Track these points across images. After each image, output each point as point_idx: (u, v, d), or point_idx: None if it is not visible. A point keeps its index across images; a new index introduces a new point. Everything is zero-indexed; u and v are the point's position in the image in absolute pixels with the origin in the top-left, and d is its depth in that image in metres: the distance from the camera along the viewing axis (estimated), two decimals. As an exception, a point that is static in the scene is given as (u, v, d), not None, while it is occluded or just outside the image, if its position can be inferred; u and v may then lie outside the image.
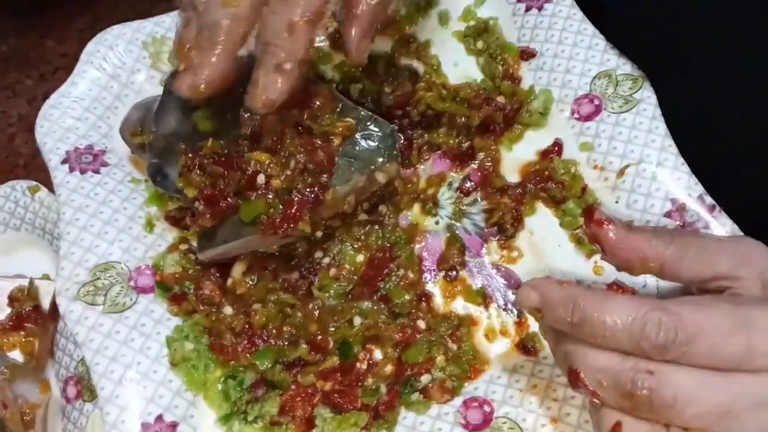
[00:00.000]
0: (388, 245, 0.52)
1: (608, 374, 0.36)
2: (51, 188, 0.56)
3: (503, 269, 0.53)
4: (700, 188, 0.52)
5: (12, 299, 0.51)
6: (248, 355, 0.50)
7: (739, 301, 0.38)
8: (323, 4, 0.43)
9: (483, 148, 0.56)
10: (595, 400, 0.38)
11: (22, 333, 0.50)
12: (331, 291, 0.51)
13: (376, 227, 0.53)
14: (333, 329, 0.50)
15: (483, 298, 0.52)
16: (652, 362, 0.36)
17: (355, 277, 0.51)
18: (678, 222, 0.51)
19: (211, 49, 0.43)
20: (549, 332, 0.41)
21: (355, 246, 0.52)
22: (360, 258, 0.52)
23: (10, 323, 0.50)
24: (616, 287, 0.40)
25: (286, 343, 0.50)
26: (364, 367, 0.49)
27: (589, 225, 0.40)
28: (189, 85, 0.43)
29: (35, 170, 0.60)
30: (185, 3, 0.45)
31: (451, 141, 0.56)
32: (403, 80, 0.57)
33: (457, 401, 0.48)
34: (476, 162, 0.56)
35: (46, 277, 0.54)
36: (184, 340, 0.50)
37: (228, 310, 0.51)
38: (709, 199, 0.51)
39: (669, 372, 0.36)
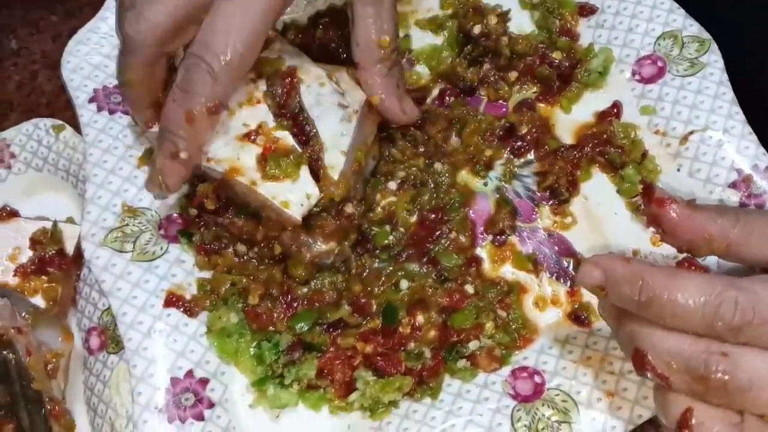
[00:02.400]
0: (441, 206, 0.49)
1: (679, 357, 0.34)
2: (76, 129, 0.53)
3: (556, 235, 0.50)
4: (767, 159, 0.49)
5: (34, 242, 0.48)
6: (284, 321, 0.47)
7: None
8: (225, 96, 0.42)
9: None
10: (663, 384, 0.35)
11: (45, 278, 0.47)
12: (381, 254, 0.48)
13: (431, 186, 0.50)
14: (377, 291, 0.47)
15: (533, 264, 0.49)
16: (725, 344, 0.33)
17: (403, 240, 0.49)
18: (743, 193, 0.49)
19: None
20: (610, 311, 0.38)
21: (408, 206, 0.49)
22: (413, 219, 0.49)
23: (32, 267, 0.47)
24: (687, 264, 0.36)
25: (328, 302, 0.47)
26: (407, 331, 0.46)
27: (649, 205, 0.37)
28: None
29: (59, 110, 0.57)
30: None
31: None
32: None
33: (505, 370, 0.46)
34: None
35: (70, 220, 0.51)
36: (229, 310, 0.47)
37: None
38: (778, 171, 0.49)
39: (744, 354, 0.33)
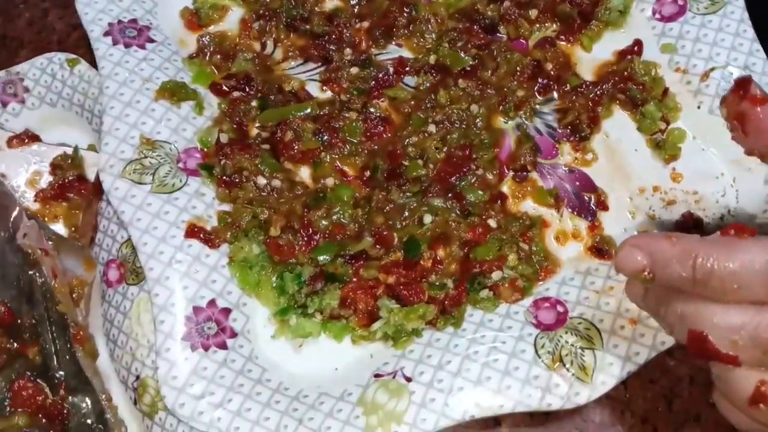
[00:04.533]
0: (470, 144, 0.49)
1: (745, 331, 0.31)
2: (91, 64, 0.52)
3: (577, 171, 0.50)
4: (789, 96, 0.49)
5: (55, 167, 0.47)
6: (306, 253, 0.47)
7: None
8: None
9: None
10: (730, 364, 0.32)
11: (65, 204, 0.46)
12: (412, 186, 0.48)
13: (463, 125, 0.50)
14: (399, 226, 0.47)
15: (555, 199, 0.49)
16: None
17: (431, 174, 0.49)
18: (764, 130, 0.49)
19: None
20: (648, 294, 0.36)
21: (438, 144, 0.49)
22: (441, 156, 0.49)
23: (52, 192, 0.46)
24: (734, 230, 0.34)
25: (349, 235, 0.47)
26: (429, 264, 0.46)
27: (740, 99, 0.34)
28: None
29: (70, 48, 0.56)
30: None
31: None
32: None
33: (527, 301, 0.46)
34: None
35: (92, 148, 0.50)
36: (250, 242, 0.47)
37: (277, 183, 0.48)
38: (799, 108, 0.49)
39: None
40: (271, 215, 0.47)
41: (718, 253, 0.32)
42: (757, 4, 0.51)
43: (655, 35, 0.53)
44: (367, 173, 0.49)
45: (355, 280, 0.46)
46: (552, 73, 0.52)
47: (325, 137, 0.50)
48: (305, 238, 0.47)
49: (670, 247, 0.33)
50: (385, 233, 0.47)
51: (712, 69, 0.50)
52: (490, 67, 0.52)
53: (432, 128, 0.50)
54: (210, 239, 0.46)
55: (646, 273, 0.34)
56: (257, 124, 0.51)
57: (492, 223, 0.48)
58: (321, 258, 0.46)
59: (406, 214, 0.47)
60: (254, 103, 0.51)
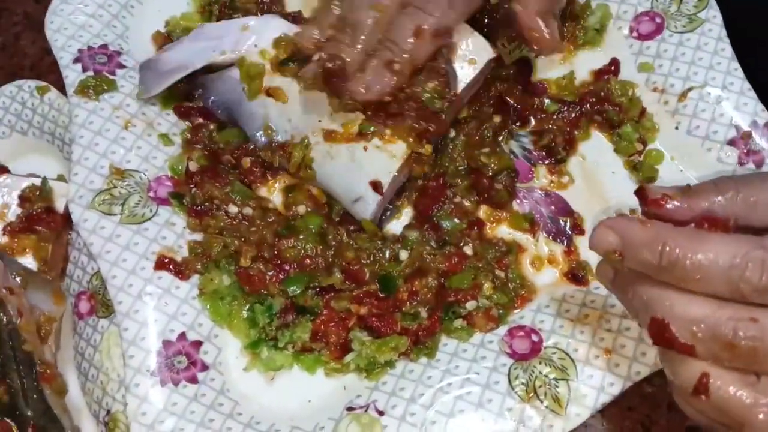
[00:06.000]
0: (442, 172, 0.49)
1: (704, 324, 0.32)
2: (61, 91, 0.52)
3: (553, 195, 0.50)
4: (767, 115, 0.48)
5: (23, 199, 0.46)
6: (277, 284, 0.46)
7: None
8: (455, 23, 0.45)
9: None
10: (686, 354, 0.33)
11: (34, 236, 0.46)
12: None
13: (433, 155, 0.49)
14: (367, 262, 0.46)
15: (530, 224, 0.48)
16: (752, 308, 0.32)
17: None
18: (742, 150, 0.48)
19: (352, 48, 0.44)
20: (618, 278, 0.37)
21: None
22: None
23: (21, 225, 0.46)
24: (708, 222, 0.34)
25: (319, 267, 0.46)
26: (405, 297, 0.46)
27: (646, 206, 0.35)
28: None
29: (43, 73, 0.55)
30: None
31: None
32: None
33: (502, 330, 0.45)
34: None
35: (61, 178, 0.49)
36: (221, 273, 0.46)
37: (249, 211, 0.47)
38: (777, 127, 0.48)
39: None
40: (241, 245, 0.46)
41: (686, 243, 0.33)
42: (736, 22, 0.51)
43: (632, 54, 0.52)
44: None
45: (326, 311, 0.45)
46: (514, 110, 0.51)
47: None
48: (276, 269, 0.46)
49: (642, 231, 0.34)
50: (355, 268, 0.46)
51: (690, 89, 0.50)
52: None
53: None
54: (180, 270, 0.46)
55: (616, 254, 0.35)
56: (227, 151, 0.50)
57: (468, 250, 0.47)
58: (291, 289, 0.45)
59: (379, 252, 0.46)
60: (212, 126, 0.50)
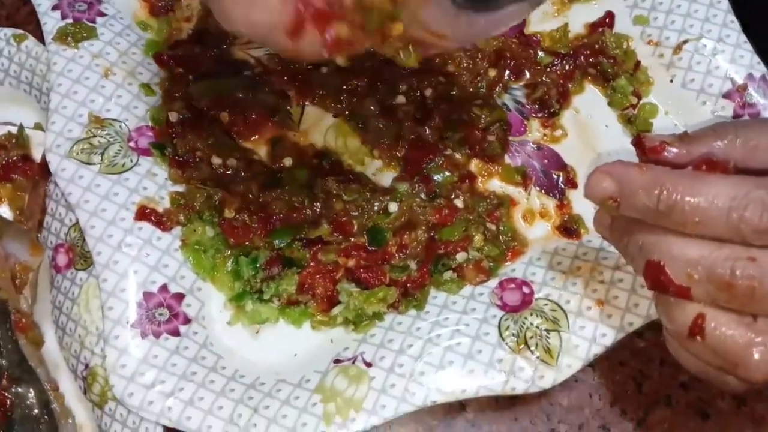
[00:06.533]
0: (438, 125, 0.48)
1: (701, 265, 0.31)
2: (40, 39, 0.50)
3: (545, 148, 0.49)
4: (763, 68, 0.48)
5: (-1, 147, 0.45)
6: (262, 236, 0.45)
7: None
8: None
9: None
10: (682, 297, 0.32)
11: (10, 185, 0.44)
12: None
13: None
14: (356, 214, 0.45)
15: (523, 177, 0.47)
16: (751, 248, 0.31)
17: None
18: (737, 103, 0.47)
19: None
20: (614, 225, 0.36)
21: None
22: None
23: (-4, 172, 0.44)
24: (706, 164, 0.33)
25: (305, 219, 0.45)
26: (394, 250, 0.45)
27: (644, 155, 0.34)
28: None
29: (20, 23, 0.53)
30: None
31: None
32: None
33: (493, 282, 0.44)
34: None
35: (38, 126, 0.48)
36: (204, 224, 0.45)
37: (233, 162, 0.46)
38: (773, 80, 0.47)
39: None
40: (225, 196, 0.45)
41: (684, 185, 0.32)
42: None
43: (627, 7, 0.51)
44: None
45: (313, 264, 0.44)
46: (511, 63, 0.50)
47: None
48: (261, 221, 0.45)
49: (639, 175, 0.33)
50: (343, 220, 0.45)
51: (686, 41, 0.49)
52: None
53: (401, 99, 0.48)
54: (162, 221, 0.44)
55: (612, 201, 0.34)
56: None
57: (459, 203, 0.46)
58: (277, 242, 0.44)
59: (366, 204, 0.45)
60: (190, 77, 0.48)
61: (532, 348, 0.41)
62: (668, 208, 0.32)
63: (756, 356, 0.31)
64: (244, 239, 0.44)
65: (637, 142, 0.36)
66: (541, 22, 0.52)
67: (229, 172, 0.46)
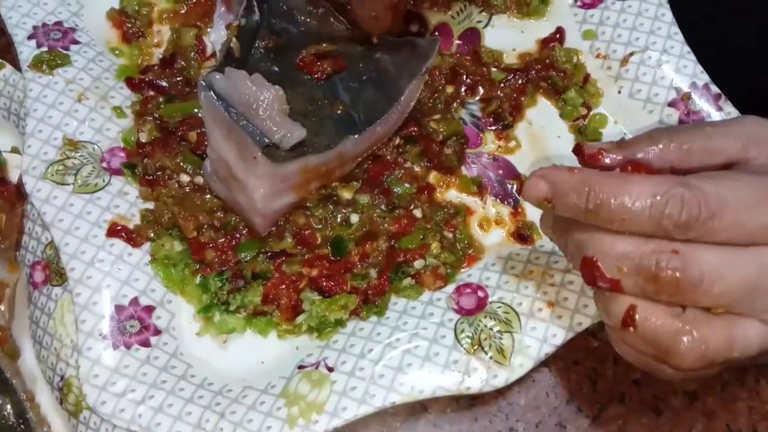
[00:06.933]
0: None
1: (629, 259, 0.34)
2: (16, 68, 0.52)
3: (500, 159, 0.51)
4: (705, 77, 0.50)
5: (-24, 170, 0.47)
6: (229, 252, 0.47)
7: (762, 171, 0.36)
8: None
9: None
10: (613, 291, 0.34)
11: (-14, 207, 0.47)
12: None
13: None
14: (319, 227, 0.47)
15: (478, 187, 0.50)
16: (675, 242, 0.33)
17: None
18: (682, 111, 0.49)
19: None
20: (555, 225, 0.38)
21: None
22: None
23: (-27, 194, 0.46)
24: (632, 166, 0.36)
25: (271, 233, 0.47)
26: (356, 260, 0.47)
27: (584, 162, 0.37)
28: None
29: (-1, 52, 0.56)
30: None
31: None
32: None
33: (450, 288, 0.46)
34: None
35: (15, 150, 0.50)
36: (172, 239, 0.47)
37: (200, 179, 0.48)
38: (714, 88, 0.49)
39: (694, 250, 0.33)
40: (186, 217, 0.47)
41: (611, 186, 0.34)
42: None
43: (576, 22, 0.53)
44: None
45: (277, 275, 0.46)
46: (466, 80, 0.52)
47: None
48: (227, 236, 0.47)
49: (570, 177, 0.35)
50: (307, 233, 0.47)
51: (632, 53, 0.51)
52: None
53: None
54: (132, 238, 0.47)
55: (547, 201, 0.36)
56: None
57: (417, 213, 0.48)
58: (242, 255, 0.46)
59: (329, 216, 0.47)
60: (161, 99, 0.51)
61: (486, 349, 0.43)
62: (596, 207, 0.34)
63: (684, 344, 0.33)
64: (209, 258, 0.46)
65: (577, 150, 0.38)
66: (495, 38, 0.54)
67: (197, 190, 0.48)
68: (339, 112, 0.48)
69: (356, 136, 0.46)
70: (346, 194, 0.48)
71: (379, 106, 0.48)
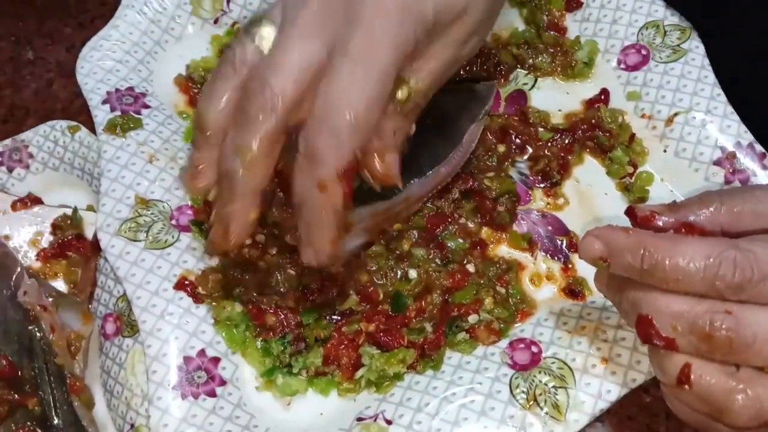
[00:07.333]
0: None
1: (683, 318, 0.35)
2: (91, 130, 0.56)
3: (549, 216, 0.52)
4: (749, 136, 0.51)
5: (55, 227, 0.50)
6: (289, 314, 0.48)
7: None
8: (353, 158, 0.39)
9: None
10: (668, 350, 0.36)
11: (65, 262, 0.50)
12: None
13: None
14: (381, 282, 0.49)
15: (529, 243, 0.51)
16: (728, 303, 0.35)
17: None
18: (727, 170, 0.51)
19: (232, 203, 0.41)
20: (610, 283, 0.40)
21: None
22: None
23: (53, 251, 0.50)
24: (685, 228, 0.38)
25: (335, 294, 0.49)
26: (413, 315, 0.48)
27: (636, 224, 0.38)
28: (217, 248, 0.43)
29: (73, 114, 0.59)
30: (197, 113, 0.42)
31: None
32: None
33: (503, 343, 0.47)
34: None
35: (90, 208, 0.53)
36: (232, 302, 0.49)
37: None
38: (759, 147, 0.51)
39: (747, 311, 0.34)
40: (241, 290, 0.49)
41: (665, 247, 0.36)
42: (718, 52, 0.54)
43: (620, 84, 0.55)
44: None
45: (336, 335, 0.48)
46: (515, 139, 0.54)
47: None
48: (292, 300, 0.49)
49: (625, 238, 0.37)
50: (370, 290, 0.49)
51: (676, 114, 0.53)
52: None
53: None
54: (195, 294, 0.49)
55: (602, 260, 0.37)
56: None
57: (470, 268, 0.50)
58: (305, 320, 0.48)
59: (389, 270, 0.49)
60: None
61: (542, 404, 0.44)
62: (651, 267, 0.36)
63: (738, 402, 0.34)
64: (270, 320, 0.48)
65: (630, 213, 0.39)
66: (541, 100, 0.57)
67: (260, 246, 0.51)
68: (403, 155, 0.50)
69: (421, 179, 0.48)
70: (405, 245, 0.50)
71: (440, 149, 0.50)
